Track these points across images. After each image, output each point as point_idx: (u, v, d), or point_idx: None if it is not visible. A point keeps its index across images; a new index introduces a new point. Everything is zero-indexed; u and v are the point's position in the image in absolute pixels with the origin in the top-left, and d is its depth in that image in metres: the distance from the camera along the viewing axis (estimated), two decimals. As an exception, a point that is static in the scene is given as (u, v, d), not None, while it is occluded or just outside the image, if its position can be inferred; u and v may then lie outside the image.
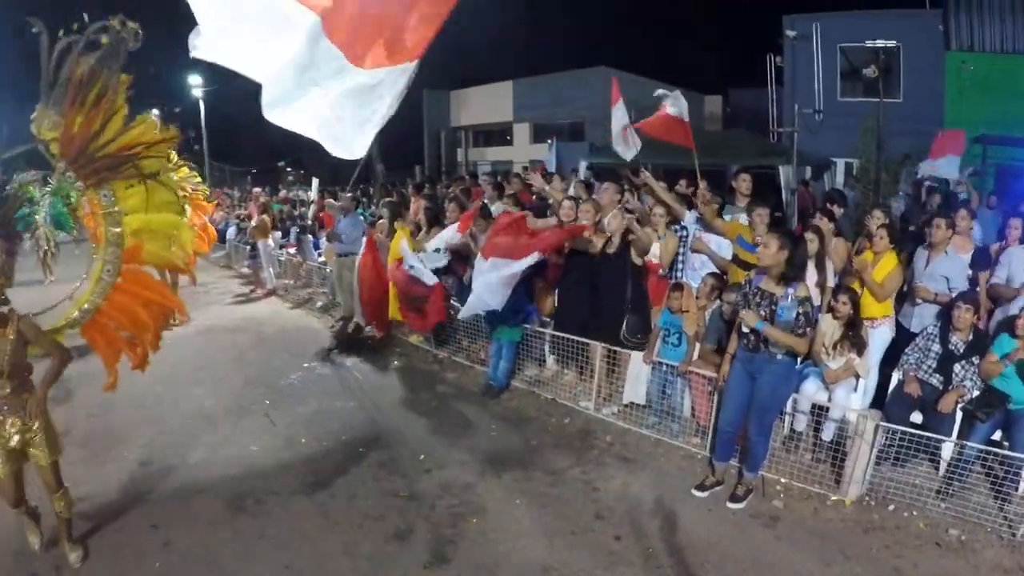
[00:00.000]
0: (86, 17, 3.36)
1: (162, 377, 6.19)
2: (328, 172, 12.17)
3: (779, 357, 4.20)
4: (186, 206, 8.13)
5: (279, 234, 12.26)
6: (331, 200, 11.09)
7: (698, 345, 5.32)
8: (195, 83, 29.55)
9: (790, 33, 17.63)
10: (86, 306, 3.68)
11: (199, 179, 9.32)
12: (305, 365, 7.38)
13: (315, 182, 13.28)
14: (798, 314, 4.06)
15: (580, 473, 4.85)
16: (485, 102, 32.72)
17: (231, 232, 13.84)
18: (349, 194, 9.68)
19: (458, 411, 6.04)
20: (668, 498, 4.49)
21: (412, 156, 22.01)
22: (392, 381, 6.93)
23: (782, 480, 4.64)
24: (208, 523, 4.14)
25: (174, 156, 8.78)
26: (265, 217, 11.45)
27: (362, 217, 9.99)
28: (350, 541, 3.97)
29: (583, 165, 12.65)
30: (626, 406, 5.74)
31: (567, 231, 5.86)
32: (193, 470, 4.82)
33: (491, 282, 5.66)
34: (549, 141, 16.16)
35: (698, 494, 4.50)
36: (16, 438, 3.59)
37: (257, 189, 12.86)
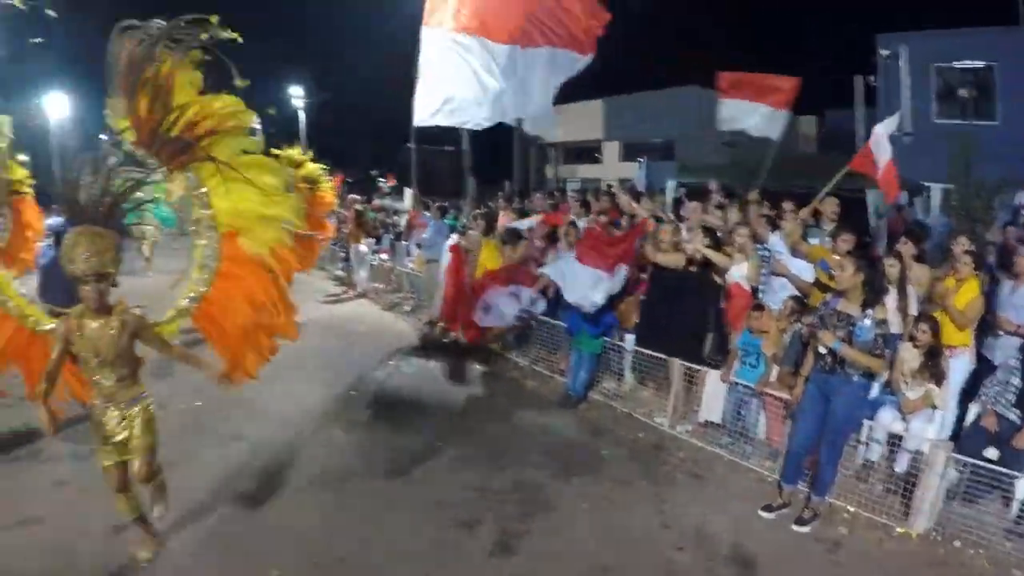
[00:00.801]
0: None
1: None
2: (421, 183, 12.83)
3: (855, 379, 4.17)
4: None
5: (373, 240, 12.94)
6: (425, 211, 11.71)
7: (776, 367, 5.30)
8: (296, 95, 31.41)
9: (883, 52, 16.78)
10: (192, 294, 3.75)
11: (323, 174, 9.99)
12: (391, 363, 7.85)
13: (408, 192, 13.96)
14: (876, 336, 4.05)
15: (649, 485, 4.94)
16: (575, 119, 32.93)
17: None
18: (436, 204, 10.24)
19: (534, 417, 6.21)
20: (734, 516, 4.51)
21: (502, 171, 22.53)
22: (474, 384, 7.19)
23: (850, 508, 4.55)
24: (295, 495, 4.56)
25: (297, 152, 9.49)
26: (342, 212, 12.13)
27: (450, 225, 10.48)
28: (421, 524, 4.25)
29: (671, 184, 12.71)
30: (701, 424, 5.76)
31: (636, 230, 6.25)
32: (281, 449, 5.27)
33: (586, 283, 6.06)
34: (639, 160, 16.25)
35: (765, 515, 4.49)
36: (122, 434, 3.60)
37: (353, 196, 13.61)
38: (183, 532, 4.04)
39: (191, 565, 3.80)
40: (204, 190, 3.70)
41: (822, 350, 4.24)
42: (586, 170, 35.42)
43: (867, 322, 4.07)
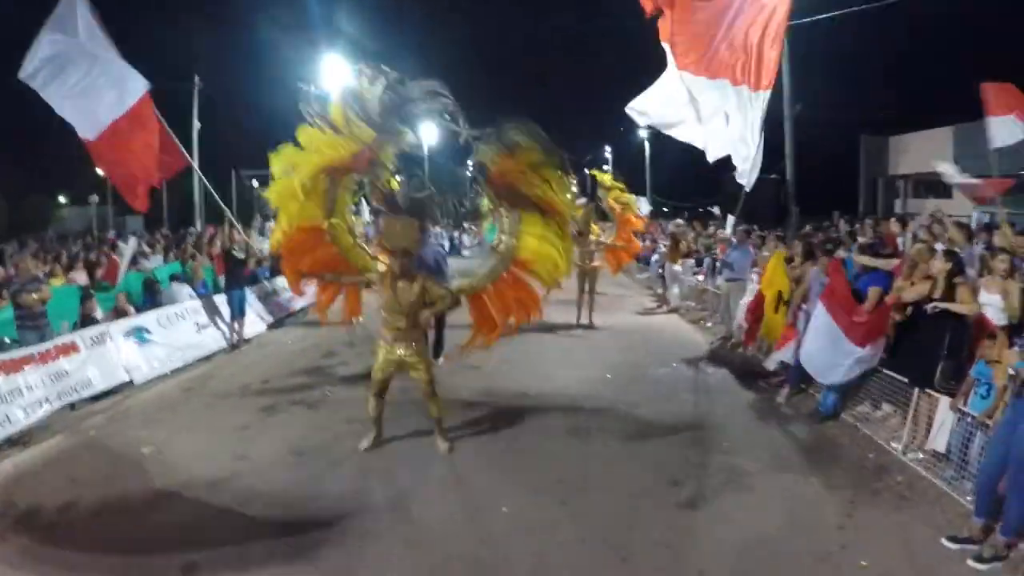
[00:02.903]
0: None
1: (556, 347, 9.49)
2: (744, 211, 13.69)
3: None
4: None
5: (691, 262, 14.19)
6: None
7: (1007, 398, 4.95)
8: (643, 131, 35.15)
9: None
10: (475, 283, 5.80)
11: (631, 199, 11.96)
12: (673, 364, 9.19)
13: (730, 219, 14.78)
14: None
15: (850, 495, 5.24)
16: (924, 148, 28.91)
17: (655, 257, 16.34)
18: (743, 227, 11.12)
19: (778, 423, 6.88)
20: (917, 540, 4.56)
21: (835, 202, 21.36)
22: (736, 390, 8.08)
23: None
24: (541, 437, 6.47)
25: (609, 178, 11.76)
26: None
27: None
28: (632, 477, 5.61)
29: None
30: (933, 454, 5.65)
31: (885, 309, 6.38)
32: (547, 404, 7.41)
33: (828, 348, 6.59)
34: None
35: (948, 544, 4.42)
36: (399, 353, 5.57)
37: (679, 221, 15.02)
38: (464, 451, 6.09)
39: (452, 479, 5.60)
40: (520, 228, 5.67)
41: (1010, 371, 4.17)
42: (938, 205, 30.85)
43: None
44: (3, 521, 4.87)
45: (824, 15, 11.09)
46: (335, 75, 22.49)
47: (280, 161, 5.46)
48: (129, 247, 11.85)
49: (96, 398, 7.85)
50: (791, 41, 10.63)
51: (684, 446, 6.24)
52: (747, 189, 9.06)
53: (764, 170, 9.81)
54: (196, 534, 4.61)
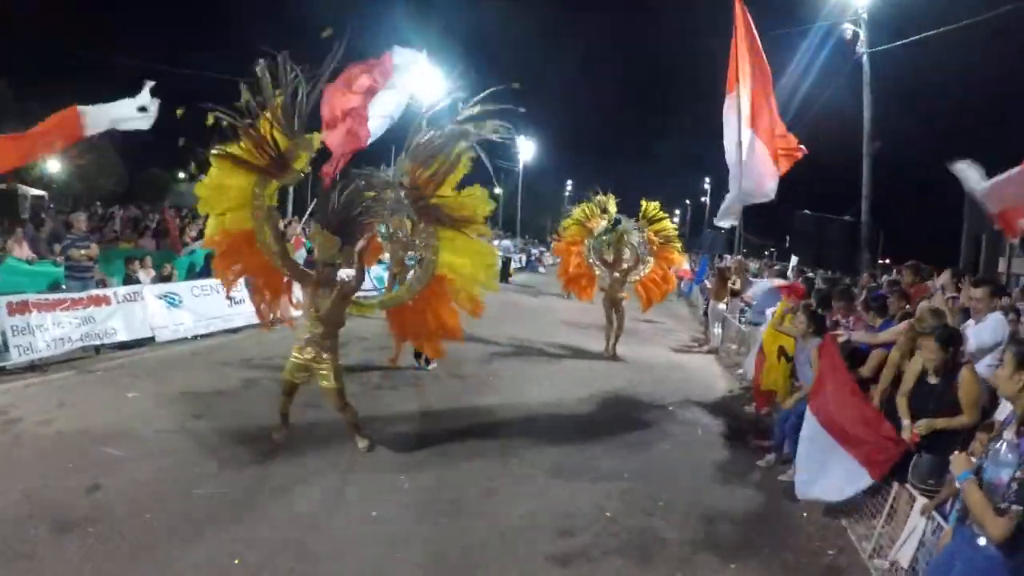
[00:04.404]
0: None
1: (559, 369, 9.18)
2: (811, 255, 13.36)
3: (979, 541, 2.92)
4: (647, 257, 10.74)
5: (739, 301, 13.77)
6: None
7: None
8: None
9: None
10: (394, 297, 6.08)
11: (673, 234, 11.84)
12: (669, 407, 8.39)
13: (793, 259, 14.33)
14: (1014, 477, 2.77)
15: None
16: None
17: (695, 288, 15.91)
18: (776, 267, 10.77)
19: (739, 491, 5.89)
20: None
21: (933, 256, 19.54)
22: (715, 446, 7.14)
23: None
24: (463, 453, 6.07)
25: (655, 208, 11.56)
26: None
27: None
28: (522, 512, 5.10)
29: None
30: (895, 567, 4.44)
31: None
32: (490, 415, 6.93)
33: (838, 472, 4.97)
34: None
35: None
36: (307, 357, 5.59)
37: (739, 258, 14.68)
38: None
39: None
40: (436, 243, 5.71)
41: (956, 484, 3.19)
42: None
43: (1003, 448, 2.90)
44: (1, 421, 6.16)
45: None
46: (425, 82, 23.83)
47: (214, 175, 5.65)
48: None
49: (124, 347, 8.98)
50: (881, 69, 10.07)
51: (605, 495, 5.48)
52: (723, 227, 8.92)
53: (839, 211, 9.41)
54: (117, 461, 5.33)
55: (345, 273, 5.96)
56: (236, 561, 4.03)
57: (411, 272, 6.17)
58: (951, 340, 4.46)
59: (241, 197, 5.56)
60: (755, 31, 8.76)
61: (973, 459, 3.16)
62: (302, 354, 5.67)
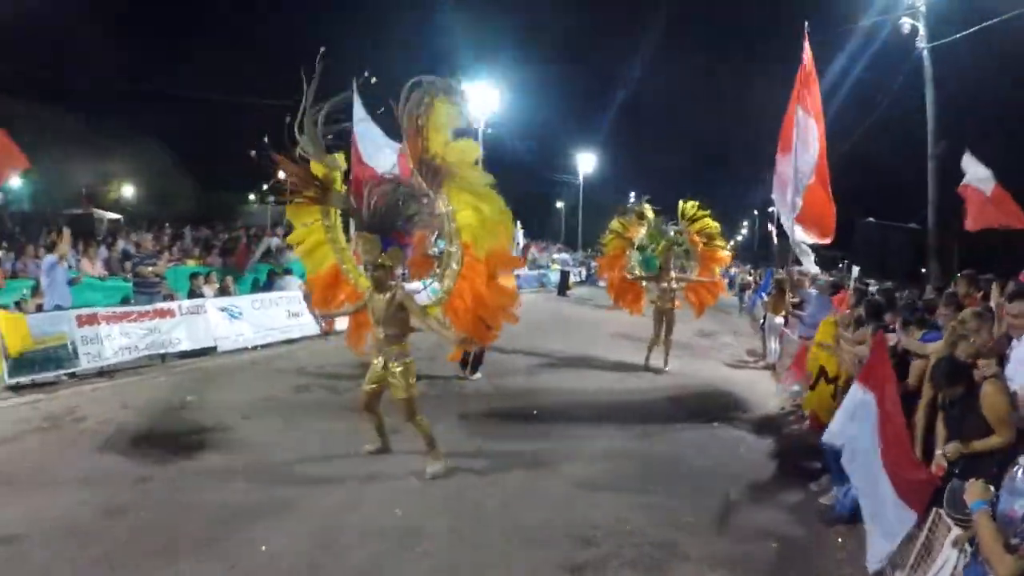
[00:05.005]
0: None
1: (605, 381, 9.13)
2: (875, 265, 12.95)
3: None
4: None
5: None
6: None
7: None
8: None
9: None
10: (443, 291, 5.43)
11: (715, 231, 11.28)
12: (714, 424, 8.05)
13: (855, 270, 13.77)
14: None
15: None
16: None
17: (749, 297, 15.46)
18: (831, 279, 10.44)
19: (771, 513, 5.61)
20: None
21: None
22: (759, 466, 6.77)
23: None
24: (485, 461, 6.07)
25: (693, 207, 11.30)
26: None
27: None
28: (541, 524, 5.09)
29: None
30: None
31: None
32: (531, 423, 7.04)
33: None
34: None
35: None
36: (379, 367, 5.43)
37: (796, 268, 14.24)
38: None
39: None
40: (452, 208, 5.33)
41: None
42: None
43: (1019, 469, 2.75)
44: (67, 420, 6.82)
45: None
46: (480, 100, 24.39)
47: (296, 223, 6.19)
48: (263, 243, 14.03)
49: (187, 356, 9.63)
50: (943, 64, 9.58)
51: (628, 507, 5.32)
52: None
53: (903, 217, 9.27)
54: (168, 456, 5.80)
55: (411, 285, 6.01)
56: (263, 548, 4.28)
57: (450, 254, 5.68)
58: (955, 376, 4.09)
59: (319, 235, 5.98)
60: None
61: (992, 488, 2.94)
62: (378, 364, 5.58)
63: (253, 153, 5.34)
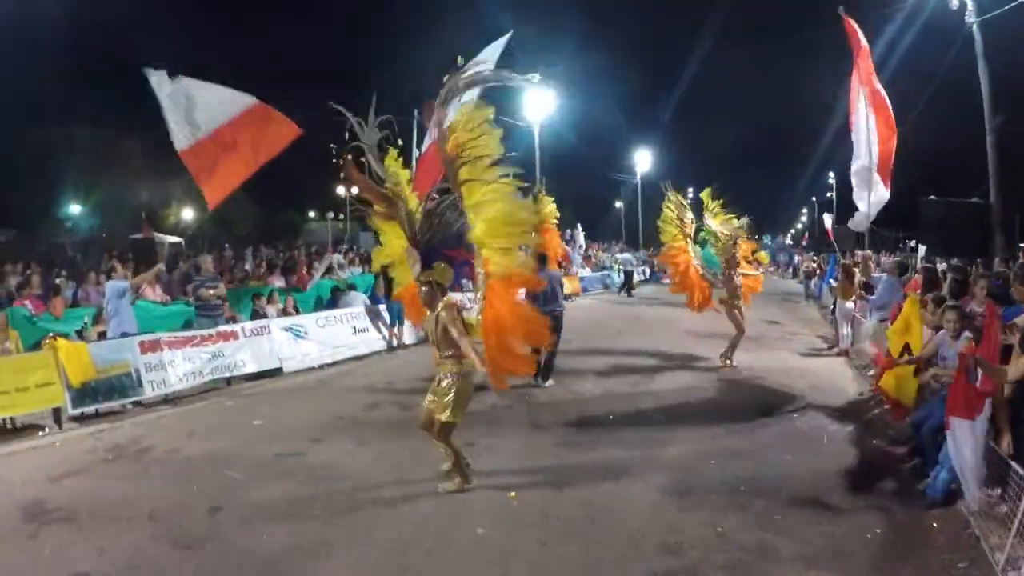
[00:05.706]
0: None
1: (685, 383, 9.00)
2: (940, 242, 12.33)
3: None
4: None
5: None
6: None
7: None
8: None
9: None
10: (479, 307, 5.18)
11: (742, 232, 10.91)
12: (793, 415, 7.80)
13: (921, 249, 13.08)
14: None
15: None
16: None
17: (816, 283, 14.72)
18: (897, 259, 9.91)
19: (864, 501, 5.35)
20: None
21: None
22: (842, 454, 6.46)
23: None
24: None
25: (706, 196, 10.99)
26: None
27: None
28: (627, 526, 4.85)
29: None
30: None
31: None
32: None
33: None
34: None
35: None
36: (436, 388, 5.16)
37: (867, 252, 13.58)
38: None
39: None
40: (471, 212, 5.09)
41: None
42: None
43: None
44: (133, 450, 6.74)
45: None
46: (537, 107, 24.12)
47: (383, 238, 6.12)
48: (325, 260, 14.09)
49: (253, 378, 9.63)
50: (991, 33, 9.37)
51: (717, 509, 5.11)
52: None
53: (965, 193, 8.92)
54: (237, 485, 5.67)
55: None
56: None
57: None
58: None
59: (401, 249, 5.77)
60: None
61: None
62: (436, 379, 5.36)
63: (336, 158, 5.35)
